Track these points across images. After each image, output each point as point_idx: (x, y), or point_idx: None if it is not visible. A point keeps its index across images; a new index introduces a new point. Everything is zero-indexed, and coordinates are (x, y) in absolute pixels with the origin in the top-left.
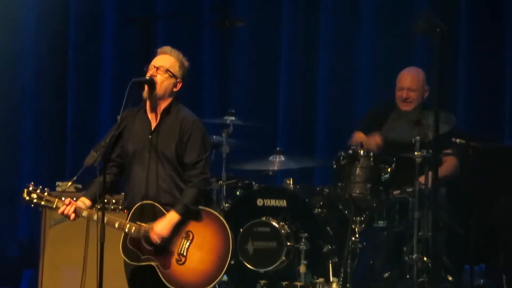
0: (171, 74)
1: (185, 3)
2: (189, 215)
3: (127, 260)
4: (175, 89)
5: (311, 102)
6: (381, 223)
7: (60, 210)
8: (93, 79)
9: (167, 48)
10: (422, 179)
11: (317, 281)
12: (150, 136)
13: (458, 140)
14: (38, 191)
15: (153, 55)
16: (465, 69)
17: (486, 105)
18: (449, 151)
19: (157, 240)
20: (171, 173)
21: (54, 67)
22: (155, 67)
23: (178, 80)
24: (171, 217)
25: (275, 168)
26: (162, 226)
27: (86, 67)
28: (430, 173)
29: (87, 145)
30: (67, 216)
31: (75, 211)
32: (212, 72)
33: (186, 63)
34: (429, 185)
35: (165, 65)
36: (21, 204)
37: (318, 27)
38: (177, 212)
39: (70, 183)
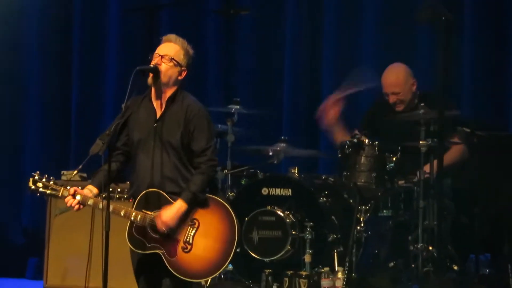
0: (175, 63)
1: None
2: (196, 203)
3: (133, 248)
4: (180, 77)
5: (315, 90)
6: (386, 212)
7: (66, 199)
8: (98, 67)
9: (172, 36)
10: (427, 167)
11: (322, 270)
12: (155, 124)
13: (463, 129)
14: (44, 180)
15: (157, 43)
16: (470, 57)
17: (491, 94)
18: (455, 139)
19: (164, 229)
20: (176, 161)
21: (58, 56)
22: (159, 55)
23: (183, 68)
24: (179, 206)
25: (280, 156)
26: (169, 215)
27: (91, 56)
28: (435, 162)
29: (91, 134)
30: (71, 207)
31: (80, 202)
32: (217, 60)
33: (191, 51)
34: (434, 174)
35: (169, 53)
36: (26, 193)
37: (322, 15)
38: (185, 200)
39: (75, 172)
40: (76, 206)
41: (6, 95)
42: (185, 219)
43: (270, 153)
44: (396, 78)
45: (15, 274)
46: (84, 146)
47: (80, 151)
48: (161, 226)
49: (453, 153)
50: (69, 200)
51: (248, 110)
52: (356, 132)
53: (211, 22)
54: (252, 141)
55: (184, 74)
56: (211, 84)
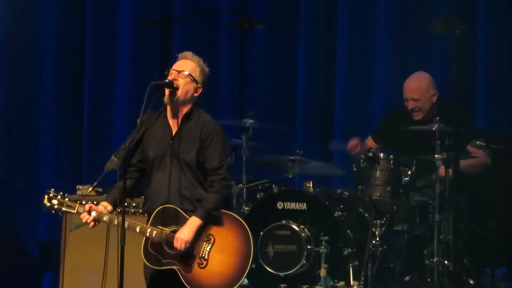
0: (192, 79)
1: (203, 5)
2: (210, 219)
3: (148, 264)
4: (195, 94)
5: (329, 103)
6: (401, 226)
7: (81, 216)
8: (110, 81)
9: (189, 53)
10: (442, 171)
11: (338, 284)
12: (171, 142)
13: (478, 142)
14: (59, 196)
15: (170, 57)
16: (484, 70)
17: (506, 106)
18: (473, 149)
19: (182, 246)
20: (192, 179)
21: (71, 72)
22: (176, 71)
23: (198, 85)
24: (193, 222)
25: (295, 170)
26: (185, 232)
27: (103, 70)
28: (450, 171)
29: (103, 148)
30: (87, 224)
31: (95, 218)
32: (231, 74)
33: (207, 69)
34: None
35: (186, 69)
36: (41, 208)
37: (335, 30)
38: (199, 217)
39: (91, 188)
40: (92, 223)
41: (21, 111)
42: (200, 235)
43: (286, 167)
44: (418, 85)
45: None
46: (96, 160)
47: (92, 164)
48: (179, 245)
49: (476, 159)
50: (85, 217)
51: (262, 124)
52: (368, 142)
53: (225, 36)
54: (266, 154)
55: (199, 91)
56: (226, 97)
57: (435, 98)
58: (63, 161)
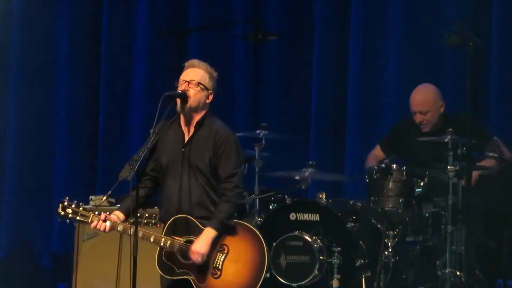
0: (202, 87)
1: (218, 16)
2: (224, 229)
3: (162, 274)
4: (207, 101)
5: (342, 114)
6: (414, 237)
7: (92, 225)
8: (125, 92)
9: (195, 61)
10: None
11: None
12: (183, 149)
13: (491, 154)
14: (73, 206)
15: (182, 69)
16: (497, 80)
17: None
18: (484, 163)
19: (199, 259)
20: (204, 185)
21: (86, 80)
22: (186, 81)
23: (209, 91)
24: (208, 233)
25: (307, 180)
26: (201, 244)
27: (118, 81)
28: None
29: (118, 159)
30: (99, 233)
31: (110, 227)
32: (245, 84)
33: (215, 74)
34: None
35: (195, 78)
36: (55, 217)
37: (348, 39)
38: (213, 228)
39: (104, 198)
40: (107, 229)
41: (35, 118)
42: (214, 245)
43: (298, 178)
44: (424, 98)
45: None
46: (111, 170)
47: (107, 174)
48: (196, 258)
49: (488, 162)
50: (101, 225)
51: (275, 135)
52: (375, 152)
53: (239, 47)
54: (279, 166)
55: (211, 97)
56: (239, 108)
57: (442, 109)
58: (77, 172)
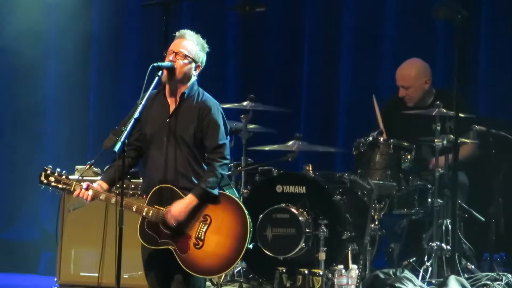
0: (190, 59)
1: None
2: (207, 199)
3: (144, 244)
4: (194, 73)
5: (334, 85)
6: (400, 211)
7: (75, 193)
8: (116, 62)
9: (186, 32)
10: (442, 161)
11: (336, 268)
12: (168, 120)
13: (478, 127)
14: (56, 174)
15: (173, 39)
16: (486, 54)
17: (507, 92)
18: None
19: (173, 222)
20: (188, 157)
21: (77, 52)
22: (174, 52)
23: (197, 64)
24: (189, 200)
25: (294, 153)
26: (179, 209)
27: (109, 50)
28: (450, 156)
29: (109, 130)
30: (84, 200)
31: (92, 196)
32: (234, 56)
33: (206, 46)
34: (448, 169)
35: (183, 50)
36: (45, 190)
37: (341, 13)
38: (195, 195)
39: (88, 166)
40: (89, 198)
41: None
42: (196, 215)
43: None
44: (408, 73)
45: (28, 270)
46: (101, 142)
47: (97, 147)
48: (170, 219)
49: (463, 150)
50: (84, 194)
51: (263, 107)
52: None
53: (230, 18)
54: (267, 138)
55: (198, 69)
56: (229, 81)
57: (427, 86)
58: (68, 146)
